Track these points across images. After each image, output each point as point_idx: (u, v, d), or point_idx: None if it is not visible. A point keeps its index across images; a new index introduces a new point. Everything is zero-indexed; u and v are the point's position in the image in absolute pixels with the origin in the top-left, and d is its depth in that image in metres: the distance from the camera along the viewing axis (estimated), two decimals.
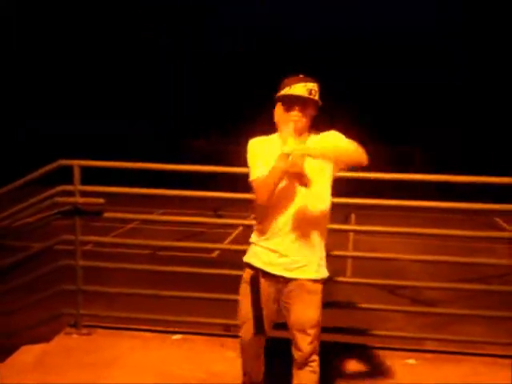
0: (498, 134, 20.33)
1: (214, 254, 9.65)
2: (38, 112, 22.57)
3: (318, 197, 3.12)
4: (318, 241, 3.19)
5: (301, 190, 3.07)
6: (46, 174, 4.63)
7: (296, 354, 3.26)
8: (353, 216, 13.19)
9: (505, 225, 13.19)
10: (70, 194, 4.65)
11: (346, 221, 12.73)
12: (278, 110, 3.14)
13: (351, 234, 10.90)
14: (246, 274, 3.28)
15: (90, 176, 4.84)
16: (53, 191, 4.63)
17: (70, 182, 4.66)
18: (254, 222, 3.33)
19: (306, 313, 3.19)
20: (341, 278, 5.49)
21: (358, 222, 12.77)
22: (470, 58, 23.72)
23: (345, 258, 8.39)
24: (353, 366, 4.35)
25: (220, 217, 13.08)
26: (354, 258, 8.57)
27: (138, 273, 6.47)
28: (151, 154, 11.03)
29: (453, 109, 22.39)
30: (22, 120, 22.25)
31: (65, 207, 4.71)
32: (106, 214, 4.84)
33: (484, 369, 4.31)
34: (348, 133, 3.20)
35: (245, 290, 3.28)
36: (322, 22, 26.21)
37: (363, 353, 4.56)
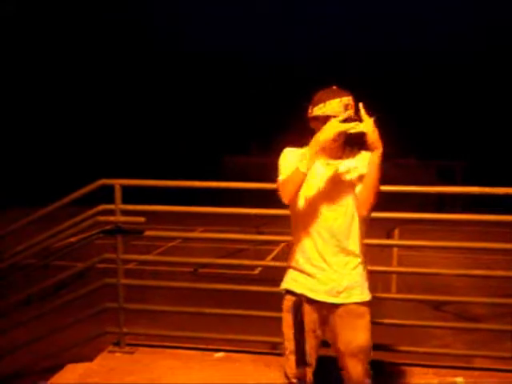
0: None
1: (256, 271, 9.61)
2: (80, 132, 22.90)
3: (354, 211, 3.01)
4: (359, 261, 3.08)
5: (338, 210, 3.00)
6: (88, 193, 4.68)
7: (349, 379, 3.17)
8: (396, 231, 12.99)
9: None
10: (111, 212, 4.69)
11: (390, 236, 12.54)
12: (314, 125, 3.02)
13: (395, 249, 10.75)
14: (287, 301, 3.14)
15: (131, 195, 4.88)
16: (94, 210, 4.67)
17: (110, 200, 4.69)
18: (291, 245, 3.22)
19: (356, 338, 3.09)
20: (386, 295, 5.41)
21: (401, 238, 12.57)
22: None
23: (389, 273, 8.27)
24: None
25: (261, 234, 13.04)
26: (398, 273, 8.43)
27: (180, 290, 6.48)
28: (193, 171, 11.11)
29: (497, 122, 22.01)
30: (62, 140, 22.58)
31: (106, 226, 4.75)
32: (147, 233, 4.86)
33: None
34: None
35: (287, 319, 3.13)
36: (358, 33, 26.16)
37: (410, 371, 4.46)
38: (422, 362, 4.56)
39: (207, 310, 5.08)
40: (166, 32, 26.88)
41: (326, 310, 3.07)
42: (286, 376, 3.21)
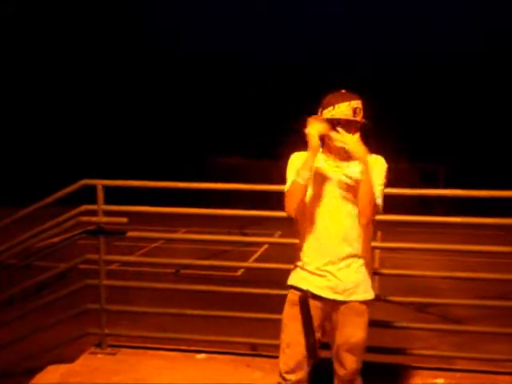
0: None
1: (239, 273, 9.60)
2: (61, 132, 22.76)
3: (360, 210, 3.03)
4: (363, 262, 3.15)
5: (343, 212, 3.04)
6: (70, 193, 4.64)
7: (341, 372, 3.24)
8: (379, 234, 13.04)
9: None
10: (94, 213, 4.66)
11: (373, 238, 12.59)
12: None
13: (377, 251, 10.78)
14: (293, 295, 3.18)
15: (115, 195, 4.85)
16: (76, 211, 4.64)
17: (93, 201, 4.66)
18: (297, 244, 3.26)
19: (355, 334, 3.16)
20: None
21: (384, 240, 12.62)
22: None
23: (372, 275, 8.28)
24: None
25: (245, 235, 13.04)
26: (381, 275, 8.44)
27: (163, 292, 6.46)
28: (178, 172, 11.08)
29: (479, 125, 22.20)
30: (44, 140, 22.41)
31: (89, 227, 4.71)
32: (130, 233, 4.84)
33: None
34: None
35: (291, 312, 3.18)
36: (338, 28, 26.27)
37: (392, 372, 4.48)
38: (404, 364, 4.58)
39: (189, 312, 5.06)
40: (166, 32, 26.81)
41: (330, 307, 3.13)
42: (280, 374, 3.23)
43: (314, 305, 3.12)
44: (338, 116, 2.96)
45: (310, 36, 27.11)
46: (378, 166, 3.09)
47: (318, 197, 3.07)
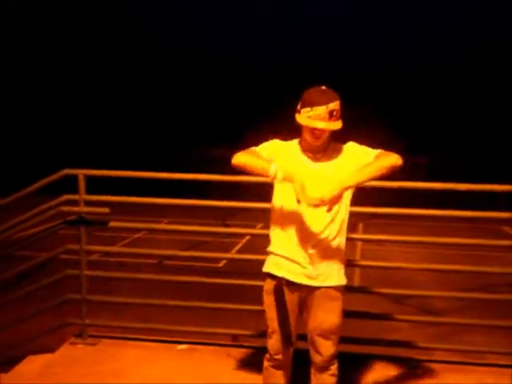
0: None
1: (221, 264, 9.62)
2: (43, 120, 22.58)
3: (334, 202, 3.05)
4: (337, 247, 3.19)
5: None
6: (51, 183, 4.62)
7: (316, 358, 3.30)
8: (360, 225, 13.14)
9: None
10: (75, 203, 4.64)
11: (354, 230, 12.66)
12: (299, 119, 3.06)
13: (359, 243, 10.86)
14: (268, 284, 3.29)
15: (98, 186, 4.84)
16: (57, 201, 4.62)
17: (75, 191, 4.65)
18: (270, 231, 3.30)
19: (328, 319, 3.22)
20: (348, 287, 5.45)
21: (365, 232, 12.72)
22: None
23: (352, 266, 8.34)
24: (359, 376, 4.31)
25: (227, 226, 13.04)
26: (361, 266, 8.51)
27: (144, 283, 6.46)
28: (161, 162, 11.05)
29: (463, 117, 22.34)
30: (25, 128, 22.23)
31: (70, 217, 4.70)
32: (112, 224, 4.83)
33: (491, 379, 4.27)
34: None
35: (269, 301, 3.29)
36: (338, 28, 26.26)
37: (369, 363, 4.53)
38: (382, 354, 4.63)
39: (171, 302, 5.06)
40: (165, 32, 26.70)
41: (305, 292, 3.20)
42: (268, 353, 3.38)
43: (289, 291, 3.21)
44: (314, 118, 2.97)
45: (309, 36, 27.10)
46: (355, 148, 3.17)
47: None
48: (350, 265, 7.49)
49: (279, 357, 3.34)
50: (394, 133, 21.34)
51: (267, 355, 3.41)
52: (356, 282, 8.09)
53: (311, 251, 3.12)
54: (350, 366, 4.44)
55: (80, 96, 23.79)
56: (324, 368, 3.31)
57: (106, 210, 4.61)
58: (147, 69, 25.38)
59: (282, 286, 3.21)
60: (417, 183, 5.21)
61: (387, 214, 4.79)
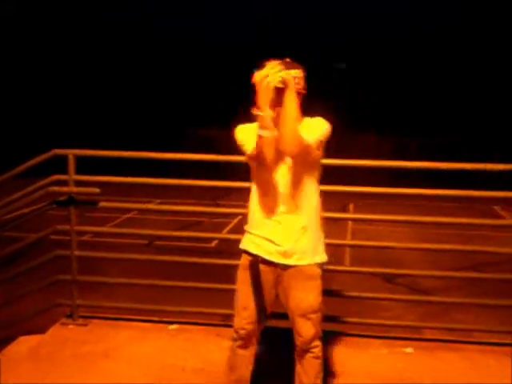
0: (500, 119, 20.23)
1: (213, 244, 9.62)
2: (32, 101, 22.42)
3: (303, 174, 3.06)
4: (311, 224, 3.16)
5: (283, 168, 3.06)
6: (41, 164, 4.59)
7: (298, 341, 3.25)
8: (351, 206, 13.18)
9: (502, 212, 13.18)
10: (65, 183, 4.62)
11: (345, 210, 12.71)
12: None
13: (349, 223, 10.89)
14: (244, 259, 3.27)
15: (89, 167, 4.81)
16: (47, 181, 4.59)
17: (65, 172, 4.62)
18: (247, 207, 3.30)
19: (306, 298, 3.17)
20: (339, 267, 5.48)
21: (356, 212, 12.76)
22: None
23: (343, 246, 8.38)
24: (350, 354, 4.34)
25: (219, 206, 13.04)
26: (352, 246, 8.55)
27: (136, 263, 6.44)
28: (155, 142, 11.02)
29: (451, 96, 22.36)
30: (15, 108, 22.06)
31: (59, 197, 4.67)
32: (102, 204, 4.81)
33: (481, 357, 4.30)
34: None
35: (243, 276, 3.27)
36: (317, 9, 26.08)
37: (361, 342, 4.56)
38: (373, 333, 4.66)
39: (162, 283, 5.07)
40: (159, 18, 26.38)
41: (280, 271, 3.17)
42: (235, 333, 3.34)
43: (264, 270, 3.19)
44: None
45: (297, 17, 26.73)
46: (316, 121, 3.11)
47: (263, 160, 3.02)
48: (340, 245, 7.57)
49: (243, 332, 3.29)
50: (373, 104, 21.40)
51: (234, 335, 3.36)
52: (347, 262, 8.13)
53: (286, 227, 3.10)
54: (341, 345, 4.47)
55: (74, 79, 23.61)
56: (306, 351, 3.24)
57: (97, 190, 4.58)
58: (141, 51, 25.19)
59: (258, 263, 3.19)
60: (407, 162, 5.23)
61: (377, 194, 4.78)
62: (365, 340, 4.58)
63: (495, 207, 13.51)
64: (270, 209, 3.12)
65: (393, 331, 4.72)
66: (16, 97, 22.16)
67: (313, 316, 3.19)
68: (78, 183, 4.65)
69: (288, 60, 3.04)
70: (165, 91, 24.25)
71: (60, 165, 4.65)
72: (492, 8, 23.22)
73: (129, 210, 11.82)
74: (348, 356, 4.31)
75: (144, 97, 23.89)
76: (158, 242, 9.13)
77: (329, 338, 4.50)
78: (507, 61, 21.64)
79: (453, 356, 4.33)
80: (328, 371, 3.98)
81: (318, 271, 3.20)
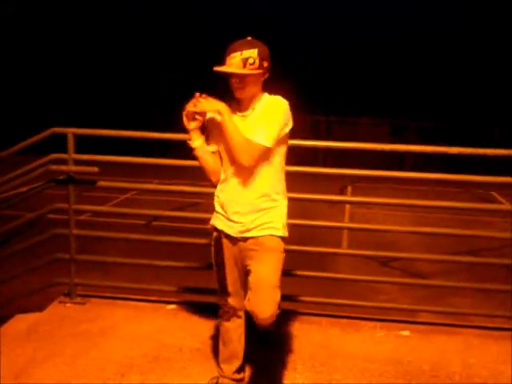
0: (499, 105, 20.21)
1: (210, 225, 9.61)
2: (32, 81, 22.35)
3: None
4: (273, 201, 3.17)
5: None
6: (40, 142, 4.57)
7: (254, 317, 3.04)
8: (349, 189, 13.18)
9: (500, 198, 13.20)
10: (64, 162, 4.61)
11: (342, 193, 12.73)
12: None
13: (347, 206, 10.90)
14: (213, 235, 3.35)
15: (88, 147, 4.79)
16: (45, 159, 4.58)
17: (64, 152, 4.60)
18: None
19: (262, 271, 3.06)
20: (336, 250, 5.50)
21: (353, 195, 12.76)
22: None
23: (340, 229, 8.40)
24: (347, 337, 4.36)
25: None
26: (349, 229, 8.57)
27: (133, 243, 6.47)
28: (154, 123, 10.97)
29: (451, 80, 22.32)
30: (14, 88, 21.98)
31: (58, 176, 4.66)
32: (101, 183, 4.81)
33: (477, 341, 4.33)
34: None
35: (214, 249, 3.35)
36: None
37: (357, 324, 4.58)
38: (369, 316, 4.68)
39: (159, 263, 5.07)
40: None
41: (241, 244, 3.20)
42: (220, 307, 3.43)
43: (227, 244, 3.25)
44: (228, 66, 2.97)
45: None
46: (270, 105, 3.09)
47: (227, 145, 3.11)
48: (338, 227, 7.58)
49: (226, 305, 3.34)
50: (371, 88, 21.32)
51: (220, 310, 3.42)
52: (344, 245, 8.15)
53: (246, 204, 3.14)
54: (336, 327, 4.49)
55: (74, 79, 23.52)
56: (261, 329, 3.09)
57: (95, 169, 4.57)
58: (141, 51, 25.04)
59: (222, 237, 3.25)
60: (408, 146, 5.22)
61: (375, 177, 4.77)
62: (362, 322, 4.60)
63: (493, 193, 13.53)
64: (232, 190, 3.20)
65: (389, 314, 4.74)
66: (16, 89, 22.10)
67: (269, 291, 3.02)
68: (77, 162, 4.64)
69: (249, 38, 3.03)
70: (164, 91, 24.14)
71: (60, 144, 4.64)
72: (492, 8, 23.09)
73: (127, 190, 11.82)
74: (345, 338, 4.33)
75: (144, 85, 23.80)
76: (156, 223, 9.14)
77: (325, 321, 4.54)
78: (507, 61, 21.55)
79: (448, 340, 4.35)
80: (324, 353, 4.01)
81: (278, 245, 3.15)
